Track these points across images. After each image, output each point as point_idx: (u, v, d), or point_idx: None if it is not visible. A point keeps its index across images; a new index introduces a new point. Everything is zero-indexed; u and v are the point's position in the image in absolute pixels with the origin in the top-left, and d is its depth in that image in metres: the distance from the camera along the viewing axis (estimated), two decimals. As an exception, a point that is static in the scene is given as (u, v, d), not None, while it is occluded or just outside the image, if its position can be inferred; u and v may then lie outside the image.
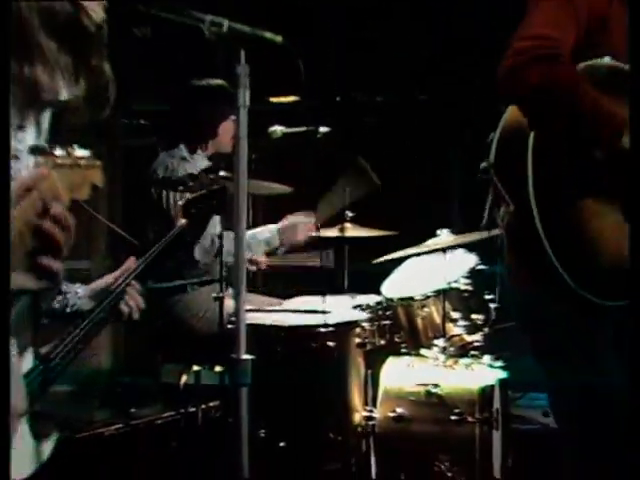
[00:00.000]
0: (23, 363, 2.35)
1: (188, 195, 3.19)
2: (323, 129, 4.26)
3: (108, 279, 2.72)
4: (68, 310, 2.61)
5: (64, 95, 2.14)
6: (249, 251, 4.35)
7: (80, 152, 1.90)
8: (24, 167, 2.09)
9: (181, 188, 3.63)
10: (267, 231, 4.47)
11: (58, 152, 1.86)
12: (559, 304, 2.64)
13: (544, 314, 2.73)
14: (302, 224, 4.46)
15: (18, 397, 2.20)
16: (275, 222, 4.49)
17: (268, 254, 4.55)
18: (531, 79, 2.47)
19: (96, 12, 2.14)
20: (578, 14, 2.55)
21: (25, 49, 2.07)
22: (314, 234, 4.48)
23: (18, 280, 1.70)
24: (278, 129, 4.35)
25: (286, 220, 4.49)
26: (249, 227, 4.22)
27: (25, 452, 2.34)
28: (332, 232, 4.40)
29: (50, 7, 2.09)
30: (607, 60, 2.58)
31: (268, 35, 2.28)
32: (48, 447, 2.38)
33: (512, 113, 2.60)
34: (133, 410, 4.43)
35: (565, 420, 2.82)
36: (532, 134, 2.52)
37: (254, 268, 4.50)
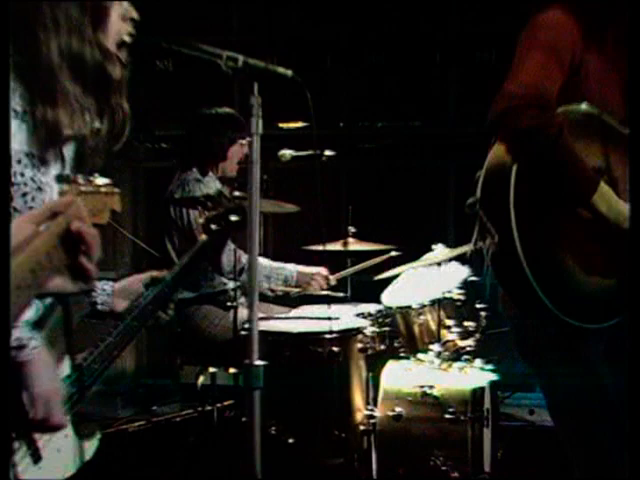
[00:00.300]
0: (61, 368, 2.33)
1: (206, 213, 3.19)
2: (328, 152, 4.25)
3: (135, 279, 2.67)
4: (99, 308, 2.58)
5: (85, 130, 2.16)
6: (269, 282, 4.40)
7: (101, 180, 1.92)
8: (48, 198, 2.11)
9: (200, 208, 3.63)
10: (288, 270, 4.49)
11: (81, 180, 1.88)
12: (543, 327, 2.65)
13: (531, 335, 2.74)
14: (319, 279, 4.49)
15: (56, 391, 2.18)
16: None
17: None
18: (521, 123, 2.48)
19: (120, 58, 2.16)
20: (563, 60, 2.56)
21: (50, 93, 2.09)
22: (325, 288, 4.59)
23: (57, 283, 1.70)
24: (287, 152, 4.35)
25: (307, 268, 4.51)
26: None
27: (70, 452, 2.36)
28: (336, 246, 4.39)
29: (80, 55, 2.11)
30: (583, 106, 2.60)
31: (280, 69, 2.31)
32: (92, 446, 2.37)
33: (495, 154, 2.61)
34: (154, 408, 4.42)
35: (556, 417, 2.83)
36: (513, 171, 2.52)
37: (271, 295, 4.52)
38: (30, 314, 2.14)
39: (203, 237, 2.79)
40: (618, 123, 2.66)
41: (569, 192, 2.56)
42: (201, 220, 2.80)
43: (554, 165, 2.52)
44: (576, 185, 2.54)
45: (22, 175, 2.09)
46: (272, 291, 4.53)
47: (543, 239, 2.55)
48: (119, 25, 2.20)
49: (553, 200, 2.56)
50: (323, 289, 4.55)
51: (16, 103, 2.08)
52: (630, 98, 2.50)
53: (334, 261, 4.64)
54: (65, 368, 2.38)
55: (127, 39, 2.21)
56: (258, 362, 2.31)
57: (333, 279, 4.57)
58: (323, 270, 4.57)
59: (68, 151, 2.23)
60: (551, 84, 2.53)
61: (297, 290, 4.56)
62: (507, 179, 2.52)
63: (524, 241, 2.49)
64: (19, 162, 2.09)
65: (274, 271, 4.53)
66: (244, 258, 4.11)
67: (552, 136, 2.48)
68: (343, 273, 4.58)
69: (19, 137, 2.08)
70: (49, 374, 2.16)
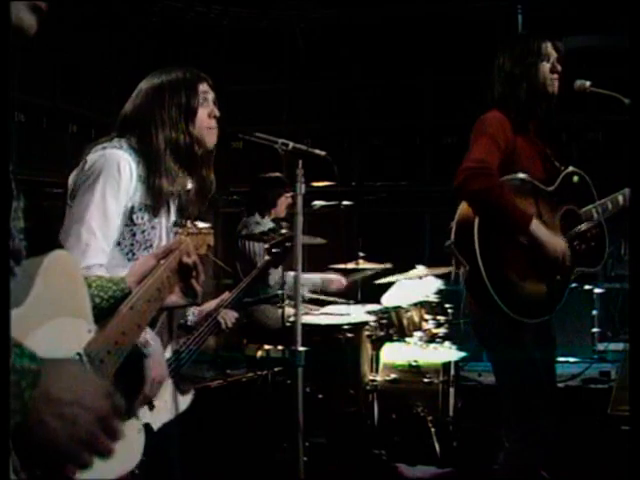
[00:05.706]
0: (167, 350, 2.28)
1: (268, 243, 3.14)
2: (345, 202, 4.22)
3: (210, 305, 2.61)
4: (189, 324, 2.52)
5: (182, 190, 2.16)
6: (304, 288, 4.34)
7: (201, 224, 1.90)
8: (158, 234, 2.12)
9: (265, 238, 3.59)
10: (315, 278, 4.43)
11: (189, 225, 1.86)
12: (498, 323, 2.61)
13: (488, 327, 2.68)
14: (337, 281, 4.43)
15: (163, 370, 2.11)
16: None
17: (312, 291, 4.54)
18: (473, 187, 2.46)
19: (207, 140, 2.13)
20: (499, 144, 2.55)
21: (157, 167, 2.09)
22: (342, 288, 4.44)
23: (174, 299, 1.67)
24: (317, 203, 4.31)
25: (328, 274, 4.45)
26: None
27: (173, 402, 2.23)
28: (351, 265, 4.35)
29: (176, 141, 2.12)
30: (520, 175, 2.59)
31: (316, 151, 2.29)
32: (187, 400, 2.29)
33: (463, 208, 2.58)
34: (228, 372, 4.37)
35: (500, 382, 2.76)
36: (476, 222, 2.50)
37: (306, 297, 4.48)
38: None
39: (267, 258, 2.73)
40: (541, 184, 2.63)
41: (513, 225, 2.54)
42: (266, 245, 2.72)
43: (498, 210, 2.51)
44: (517, 219, 2.52)
45: (142, 218, 2.08)
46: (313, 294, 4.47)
47: (497, 264, 2.53)
48: (207, 120, 2.18)
49: (503, 239, 2.54)
50: (340, 290, 4.48)
51: (140, 171, 2.08)
52: (631, 99, 2.35)
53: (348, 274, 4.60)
54: (168, 353, 2.32)
55: (213, 130, 2.18)
56: (301, 348, 2.27)
57: (345, 281, 4.49)
58: (340, 277, 4.52)
59: (174, 203, 2.22)
60: (492, 159, 2.52)
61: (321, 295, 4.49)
62: (472, 226, 2.51)
63: (485, 266, 2.49)
64: (140, 210, 2.07)
65: (305, 280, 4.45)
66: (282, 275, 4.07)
67: (495, 191, 2.47)
68: (353, 278, 4.51)
69: (139, 193, 2.07)
70: (161, 364, 2.09)
